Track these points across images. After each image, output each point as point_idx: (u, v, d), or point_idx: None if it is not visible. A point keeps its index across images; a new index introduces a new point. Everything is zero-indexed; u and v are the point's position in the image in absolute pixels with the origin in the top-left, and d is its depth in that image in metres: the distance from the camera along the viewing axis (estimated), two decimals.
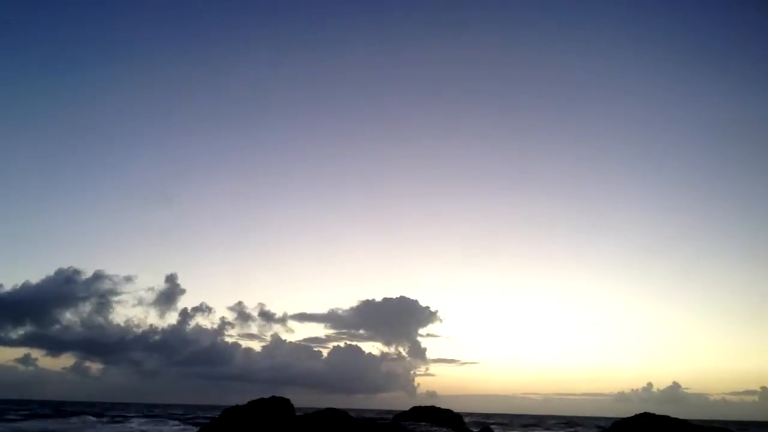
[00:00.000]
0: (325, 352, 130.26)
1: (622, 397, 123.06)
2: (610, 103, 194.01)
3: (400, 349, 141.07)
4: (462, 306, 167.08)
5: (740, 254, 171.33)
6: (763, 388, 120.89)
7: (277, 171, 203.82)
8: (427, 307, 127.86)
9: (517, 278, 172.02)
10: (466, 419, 46.99)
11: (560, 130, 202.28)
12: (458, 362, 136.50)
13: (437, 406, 41.94)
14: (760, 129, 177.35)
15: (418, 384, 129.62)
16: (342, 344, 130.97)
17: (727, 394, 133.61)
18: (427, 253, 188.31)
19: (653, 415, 36.12)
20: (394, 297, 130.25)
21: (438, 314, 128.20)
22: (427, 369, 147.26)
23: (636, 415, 36.75)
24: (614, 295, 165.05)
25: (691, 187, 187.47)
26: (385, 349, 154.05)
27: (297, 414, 33.75)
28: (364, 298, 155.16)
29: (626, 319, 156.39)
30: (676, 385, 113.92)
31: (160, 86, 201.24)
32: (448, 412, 40.97)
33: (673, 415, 36.52)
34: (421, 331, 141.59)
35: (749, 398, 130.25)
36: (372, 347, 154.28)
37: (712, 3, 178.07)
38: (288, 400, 34.04)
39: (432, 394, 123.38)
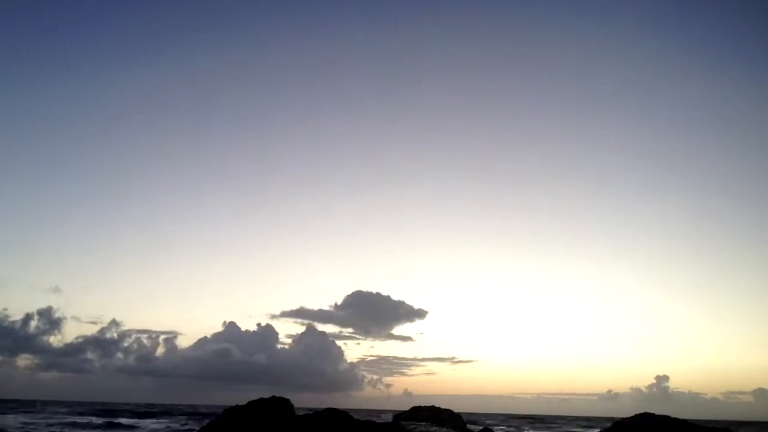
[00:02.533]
0: (293, 346, 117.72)
1: (612, 396, 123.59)
2: (608, 95, 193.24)
3: (376, 346, 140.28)
4: (447, 304, 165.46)
5: (737, 253, 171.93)
6: (758, 389, 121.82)
7: (254, 168, 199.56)
8: (402, 302, 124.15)
9: (506, 276, 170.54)
10: None
11: (558, 121, 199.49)
12: (449, 360, 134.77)
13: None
14: (760, 128, 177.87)
15: (392, 384, 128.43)
16: (310, 334, 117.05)
17: (719, 393, 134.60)
18: (411, 248, 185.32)
19: (653, 414, 36.31)
20: (371, 292, 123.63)
21: (420, 311, 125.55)
22: (408, 368, 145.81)
23: (636, 414, 36.96)
24: (607, 294, 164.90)
25: (688, 181, 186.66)
26: (360, 346, 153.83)
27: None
28: (342, 294, 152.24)
29: (618, 318, 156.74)
30: (668, 385, 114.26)
31: None
32: (449, 412, 40.80)
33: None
34: (401, 328, 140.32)
35: (742, 398, 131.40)
36: (346, 344, 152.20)
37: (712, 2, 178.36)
38: (288, 400, 33.84)
39: (408, 394, 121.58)
